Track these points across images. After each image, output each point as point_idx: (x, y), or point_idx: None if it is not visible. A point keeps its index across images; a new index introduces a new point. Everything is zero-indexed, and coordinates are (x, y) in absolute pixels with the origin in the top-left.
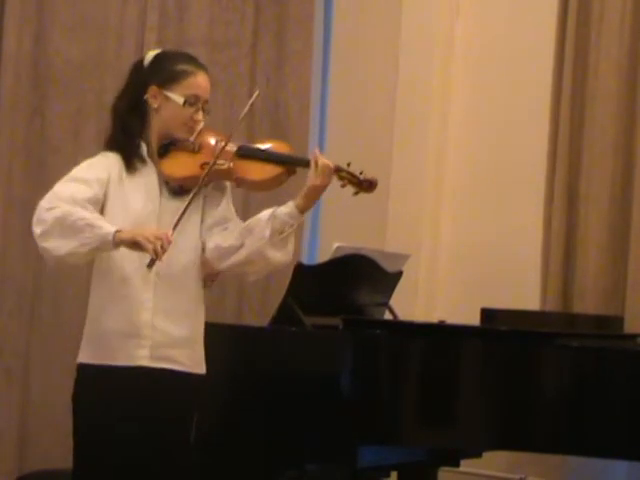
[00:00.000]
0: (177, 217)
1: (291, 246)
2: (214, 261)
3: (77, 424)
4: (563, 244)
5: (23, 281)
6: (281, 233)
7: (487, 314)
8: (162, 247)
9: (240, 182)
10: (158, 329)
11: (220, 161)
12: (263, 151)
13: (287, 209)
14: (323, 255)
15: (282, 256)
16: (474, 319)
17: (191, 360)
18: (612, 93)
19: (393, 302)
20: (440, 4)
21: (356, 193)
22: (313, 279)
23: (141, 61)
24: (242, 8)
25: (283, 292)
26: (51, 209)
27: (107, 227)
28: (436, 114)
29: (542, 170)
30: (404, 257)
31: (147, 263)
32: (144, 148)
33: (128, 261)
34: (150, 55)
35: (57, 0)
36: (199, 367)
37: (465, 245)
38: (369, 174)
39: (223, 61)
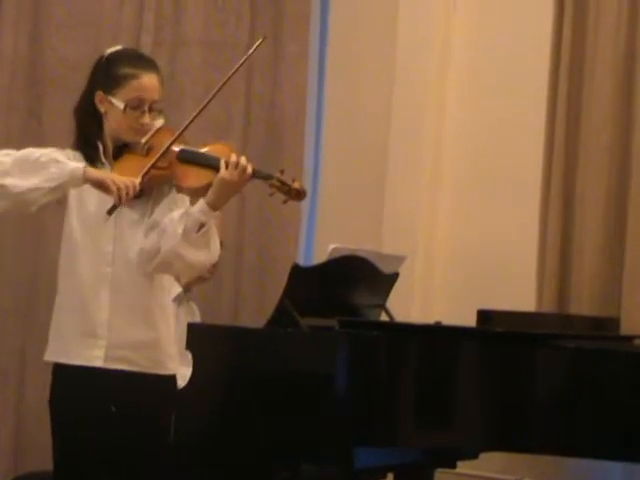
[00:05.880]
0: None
1: (214, 245)
2: (142, 265)
3: (51, 424)
4: (559, 245)
5: (19, 281)
6: (198, 231)
7: (483, 315)
8: (127, 194)
9: (179, 189)
10: (114, 329)
11: (162, 164)
12: (201, 155)
13: (198, 206)
14: (319, 256)
15: (204, 255)
16: (470, 321)
17: (150, 361)
18: (608, 94)
19: (389, 303)
20: (437, 2)
21: (285, 201)
22: (309, 280)
23: (99, 60)
24: (238, 9)
25: (279, 293)
26: (8, 154)
27: (74, 163)
28: (433, 114)
29: (538, 171)
30: (400, 258)
31: (108, 209)
32: (101, 150)
33: (85, 259)
34: (106, 53)
35: (53, 0)
36: (161, 368)
37: (461, 247)
38: (298, 184)
39: (219, 62)
